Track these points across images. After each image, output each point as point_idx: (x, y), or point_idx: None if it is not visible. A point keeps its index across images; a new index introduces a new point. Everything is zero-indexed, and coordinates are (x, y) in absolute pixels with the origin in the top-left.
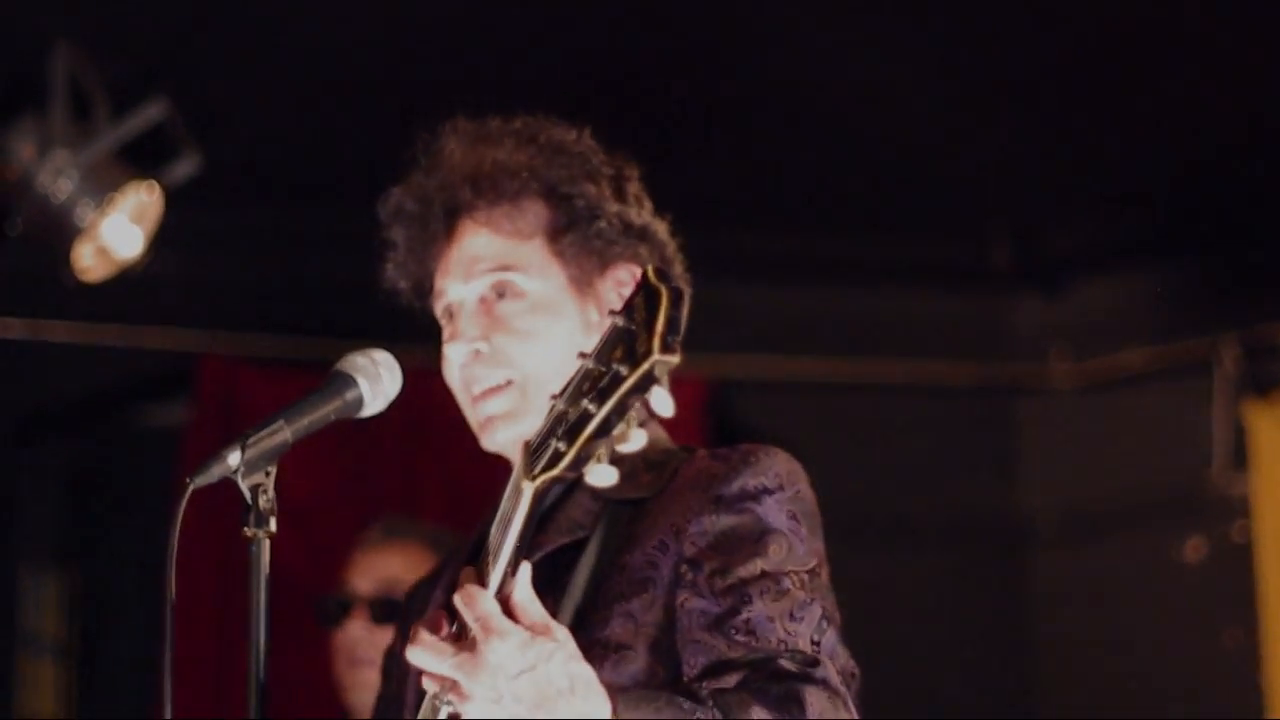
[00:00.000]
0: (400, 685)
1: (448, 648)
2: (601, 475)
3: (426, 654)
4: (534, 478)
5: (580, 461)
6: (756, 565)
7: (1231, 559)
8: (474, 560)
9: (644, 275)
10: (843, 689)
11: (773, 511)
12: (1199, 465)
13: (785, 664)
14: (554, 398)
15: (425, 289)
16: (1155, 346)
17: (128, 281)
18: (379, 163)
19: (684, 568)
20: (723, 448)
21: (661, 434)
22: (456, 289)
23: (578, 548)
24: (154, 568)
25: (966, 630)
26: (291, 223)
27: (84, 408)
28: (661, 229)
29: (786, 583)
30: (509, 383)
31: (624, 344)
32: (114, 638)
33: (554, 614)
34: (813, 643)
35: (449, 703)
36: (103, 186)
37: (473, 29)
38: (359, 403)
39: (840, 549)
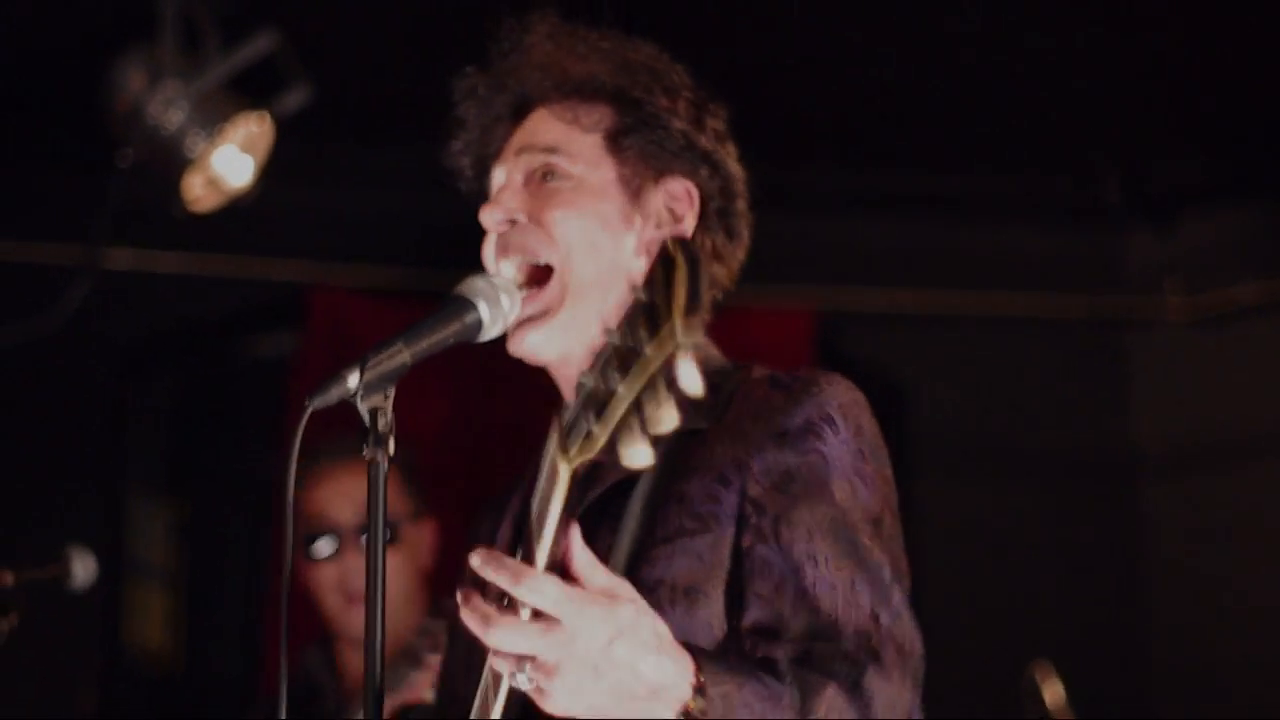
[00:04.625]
0: (470, 652)
1: (533, 627)
2: (638, 457)
3: (508, 634)
4: (569, 460)
5: (614, 443)
6: (823, 514)
7: None
8: (523, 521)
9: (662, 246)
10: (901, 667)
11: (837, 449)
12: None
13: (847, 645)
14: (582, 373)
15: (487, 168)
16: (1268, 280)
17: (239, 212)
18: None
19: (748, 508)
20: (783, 373)
21: (714, 352)
22: (507, 165)
23: (633, 480)
24: (263, 496)
25: (1079, 563)
26: (403, 154)
27: (194, 338)
28: (734, 166)
29: (852, 539)
30: (549, 271)
31: (646, 317)
32: (222, 566)
33: (610, 548)
34: (873, 615)
35: (530, 680)
36: (213, 117)
37: None
38: (478, 326)
39: (952, 483)
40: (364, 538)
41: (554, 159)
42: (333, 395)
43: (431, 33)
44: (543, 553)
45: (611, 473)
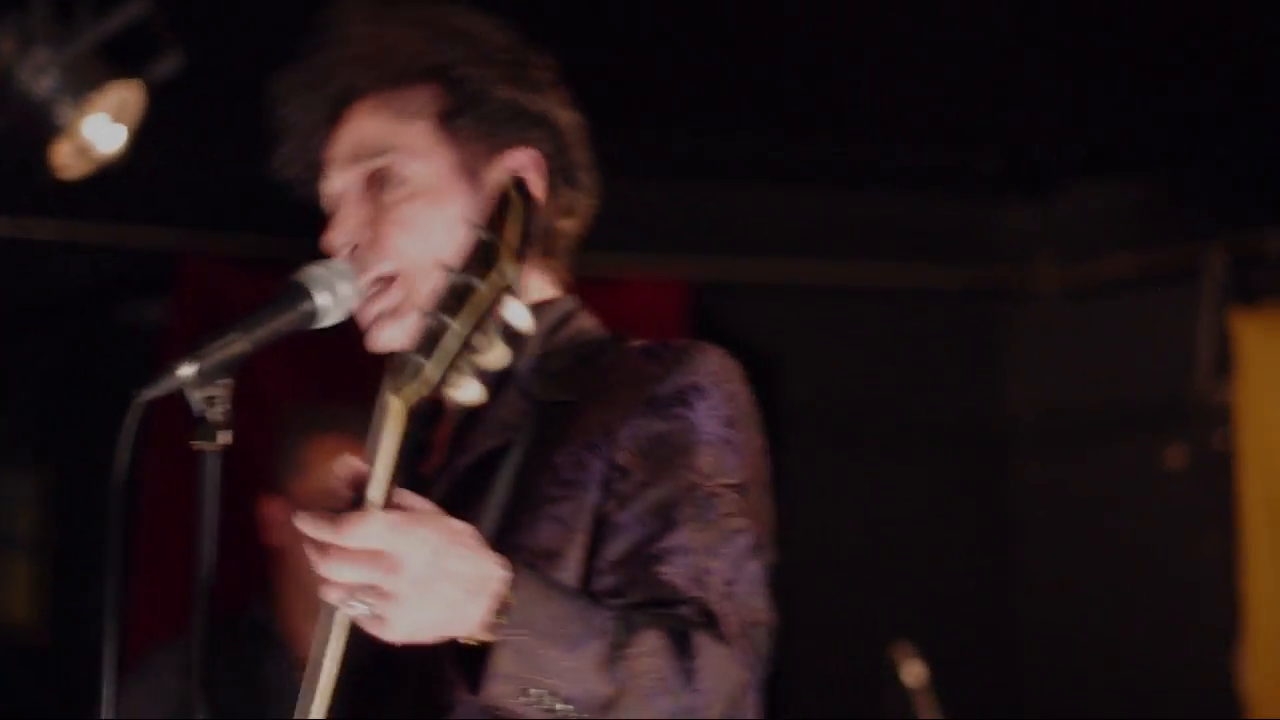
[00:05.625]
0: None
1: (363, 553)
2: (467, 392)
3: (339, 565)
4: (400, 394)
5: (443, 378)
6: (686, 480)
7: (1213, 467)
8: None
9: (500, 186)
10: (742, 640)
11: (706, 417)
12: (1183, 372)
13: (688, 609)
14: (420, 311)
15: (314, 172)
16: (1142, 252)
17: (108, 179)
18: None
19: (613, 474)
20: (656, 342)
21: (590, 324)
22: (338, 176)
23: (506, 450)
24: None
25: (949, 533)
26: (272, 120)
27: (63, 305)
28: (565, 116)
29: (714, 506)
30: (393, 277)
31: (482, 255)
32: (90, 537)
33: (480, 517)
34: (725, 583)
35: (364, 608)
36: (84, 84)
37: None
38: (314, 314)
39: (826, 452)
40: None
41: (386, 161)
42: (164, 386)
43: None
44: (377, 491)
45: (481, 440)
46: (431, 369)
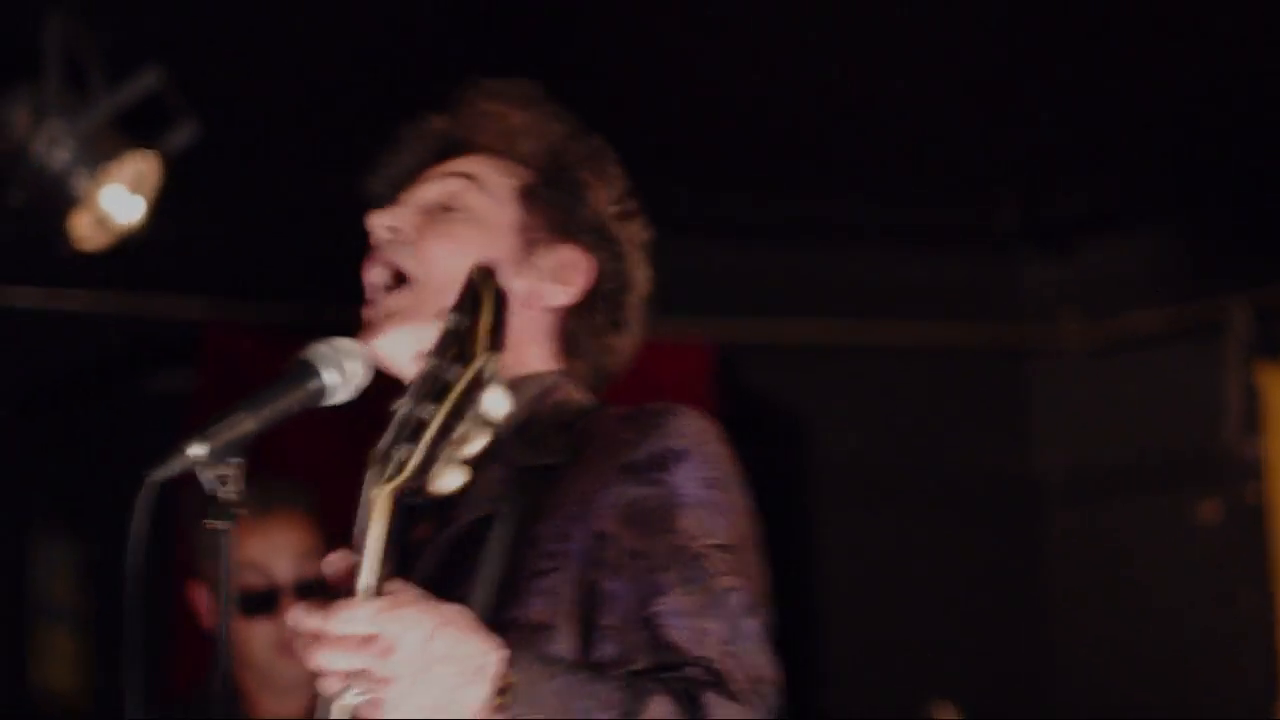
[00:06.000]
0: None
1: (354, 640)
2: (448, 480)
3: (333, 653)
4: (383, 487)
5: (425, 468)
6: (671, 544)
7: (1245, 521)
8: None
9: (469, 274)
10: (751, 697)
11: (685, 480)
12: (1211, 426)
13: (693, 671)
14: (396, 401)
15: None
16: (1166, 308)
17: (130, 250)
18: (382, 130)
19: (596, 543)
20: (633, 408)
21: (574, 395)
22: (416, 186)
23: (490, 521)
24: (165, 534)
25: (979, 593)
26: (295, 189)
27: (91, 376)
28: (637, 264)
29: (702, 567)
30: (411, 280)
31: (457, 344)
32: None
33: (468, 591)
34: (725, 642)
35: (360, 695)
36: (99, 155)
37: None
38: (322, 392)
39: (853, 512)
40: (299, 591)
41: (461, 186)
42: (174, 466)
43: (320, 68)
44: (365, 577)
45: (465, 512)
46: (411, 459)
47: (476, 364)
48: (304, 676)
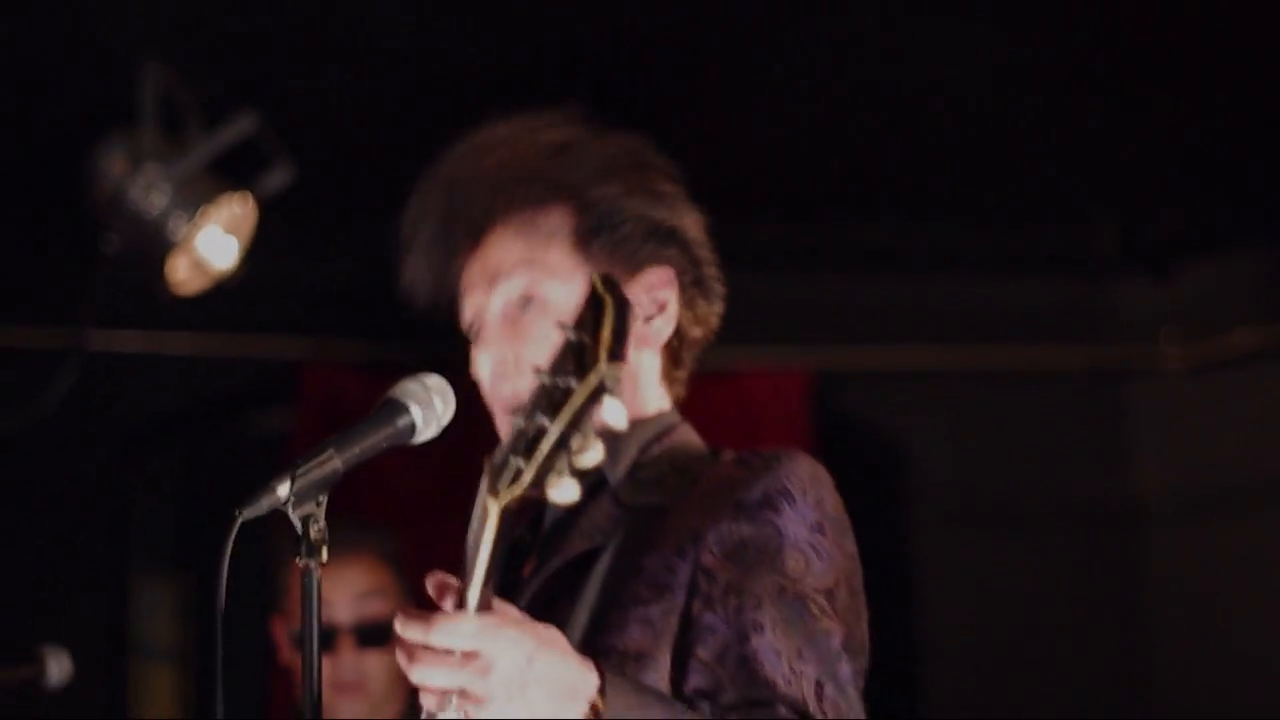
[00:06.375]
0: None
1: (453, 658)
2: (564, 491)
3: (430, 668)
4: (499, 498)
5: (540, 478)
6: (772, 583)
7: None
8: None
9: (591, 285)
10: None
11: (792, 522)
12: None
13: (781, 711)
14: (514, 413)
15: (447, 296)
16: (1265, 326)
17: (228, 291)
18: None
19: (700, 577)
20: (748, 451)
21: (691, 437)
22: (480, 297)
23: (598, 554)
24: (265, 573)
25: (1083, 616)
26: (389, 228)
27: (192, 418)
28: (692, 225)
29: (801, 608)
30: None
31: (575, 356)
32: (228, 643)
33: (569, 619)
34: (817, 685)
35: (458, 711)
36: (195, 199)
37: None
38: (411, 429)
39: (952, 538)
40: (357, 634)
41: (529, 286)
42: (263, 505)
43: (413, 105)
44: (473, 594)
45: (573, 544)
46: (528, 470)
47: (596, 374)
48: (362, 713)
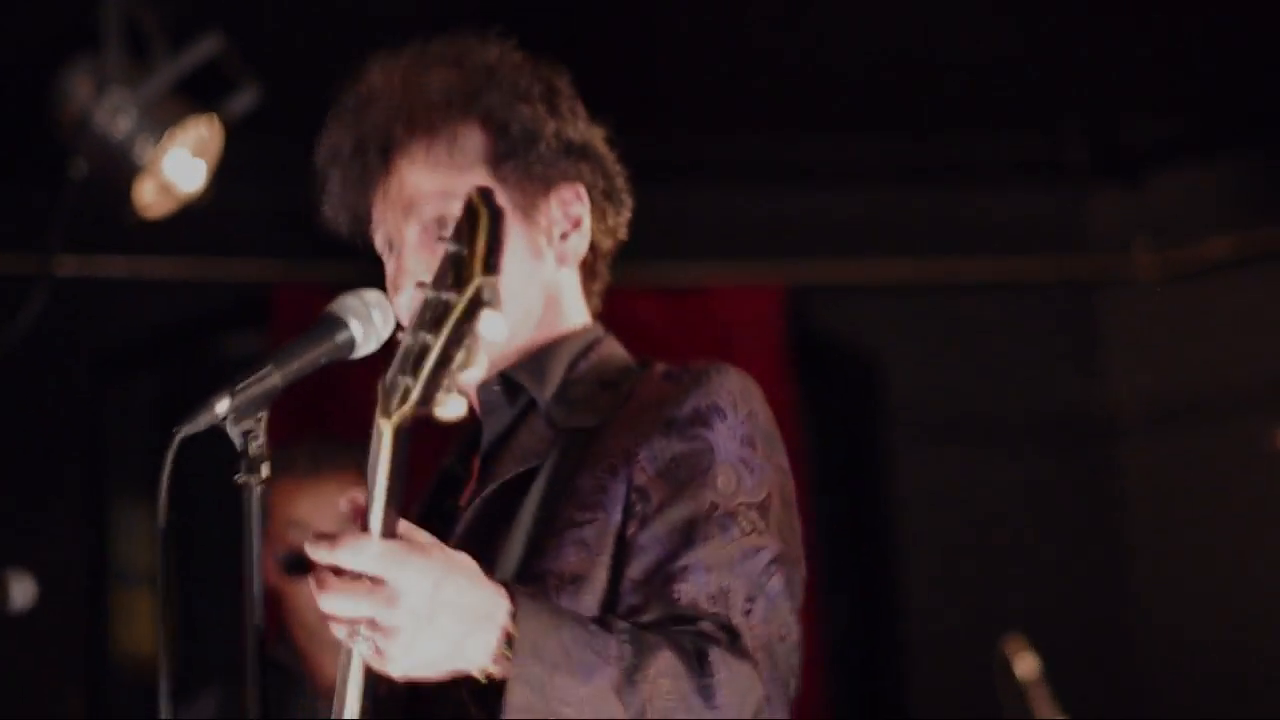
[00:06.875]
0: None
1: (360, 585)
2: (451, 408)
3: (338, 598)
4: (389, 417)
5: (428, 396)
6: (705, 498)
7: None
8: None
9: (466, 198)
10: (762, 655)
11: (724, 437)
12: None
13: (705, 626)
14: (399, 330)
15: (364, 221)
16: (1237, 235)
17: (201, 215)
18: None
19: (634, 496)
20: (677, 366)
21: (617, 350)
22: (396, 224)
23: (532, 476)
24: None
25: (1055, 525)
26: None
27: (165, 342)
28: (599, 139)
29: (733, 524)
30: None
31: (454, 269)
32: (203, 569)
33: (505, 544)
34: (746, 599)
35: (369, 641)
36: (162, 122)
37: None
38: (350, 344)
39: (929, 449)
40: None
41: (443, 206)
42: (202, 422)
43: (381, 24)
44: (375, 518)
45: (508, 467)
46: (415, 388)
47: (471, 288)
48: None
